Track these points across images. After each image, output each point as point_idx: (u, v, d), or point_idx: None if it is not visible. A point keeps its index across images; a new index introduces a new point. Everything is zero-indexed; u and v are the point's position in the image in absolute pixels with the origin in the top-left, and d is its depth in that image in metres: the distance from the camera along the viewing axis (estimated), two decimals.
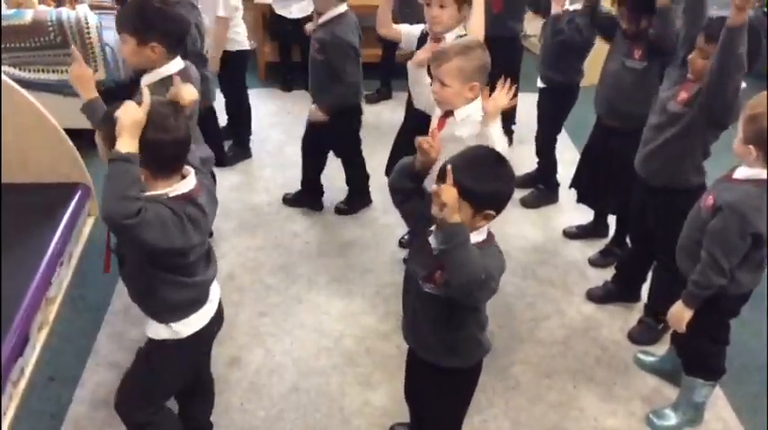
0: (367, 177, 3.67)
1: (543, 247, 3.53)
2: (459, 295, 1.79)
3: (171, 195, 1.77)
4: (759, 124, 2.09)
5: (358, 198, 3.69)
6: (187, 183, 1.82)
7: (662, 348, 2.85)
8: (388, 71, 4.85)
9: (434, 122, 2.64)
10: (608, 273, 3.28)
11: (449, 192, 1.68)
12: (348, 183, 3.67)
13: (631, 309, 3.12)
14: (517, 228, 3.63)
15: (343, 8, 3.20)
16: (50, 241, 2.82)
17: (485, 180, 1.77)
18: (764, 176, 2.14)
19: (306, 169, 3.63)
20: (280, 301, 3.07)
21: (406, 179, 1.94)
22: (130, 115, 1.67)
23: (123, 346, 2.74)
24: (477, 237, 1.80)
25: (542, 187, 3.85)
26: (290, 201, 3.73)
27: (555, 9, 3.35)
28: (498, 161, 1.83)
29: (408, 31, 3.09)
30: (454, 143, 2.22)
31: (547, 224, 3.70)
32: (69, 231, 2.99)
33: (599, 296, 3.18)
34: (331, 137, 3.44)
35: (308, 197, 3.69)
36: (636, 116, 2.96)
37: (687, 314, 2.27)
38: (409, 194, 1.95)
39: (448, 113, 2.57)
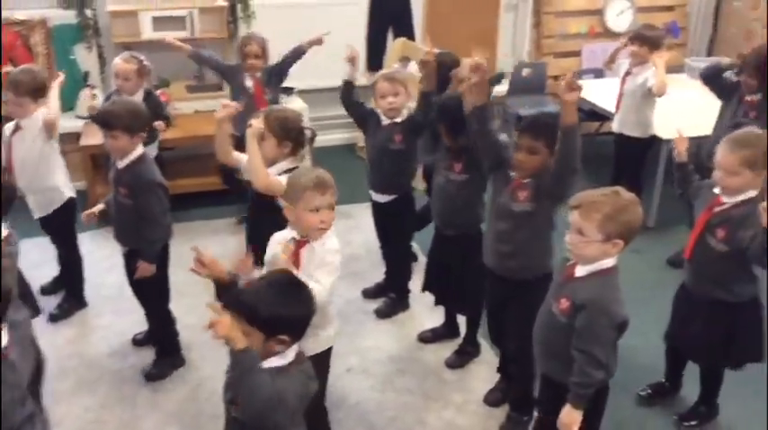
0: (171, 326, 3.42)
1: (400, 356, 3.50)
2: (256, 422, 1.78)
3: None
4: (623, 219, 2.18)
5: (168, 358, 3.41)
6: None
7: None
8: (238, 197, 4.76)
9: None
10: (465, 373, 3.31)
11: (222, 325, 1.72)
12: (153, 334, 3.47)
13: (492, 410, 3.13)
14: (373, 340, 3.60)
15: (141, 149, 3.09)
16: None
17: (271, 305, 1.79)
18: (607, 266, 2.24)
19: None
20: None
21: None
22: None
23: None
24: (277, 361, 1.82)
25: (393, 296, 3.88)
26: (140, 341, 3.53)
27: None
28: (291, 286, 1.85)
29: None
30: None
31: (401, 331, 3.69)
32: None
33: (497, 399, 3.16)
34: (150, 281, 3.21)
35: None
36: (465, 224, 3.16)
37: (577, 416, 2.27)
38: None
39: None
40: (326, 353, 2.61)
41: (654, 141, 4.50)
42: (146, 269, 3.11)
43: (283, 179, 2.88)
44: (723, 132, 3.57)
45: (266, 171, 2.84)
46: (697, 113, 4.75)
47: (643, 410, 3.14)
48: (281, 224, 2.52)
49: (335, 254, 2.46)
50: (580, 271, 2.28)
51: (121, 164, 3.08)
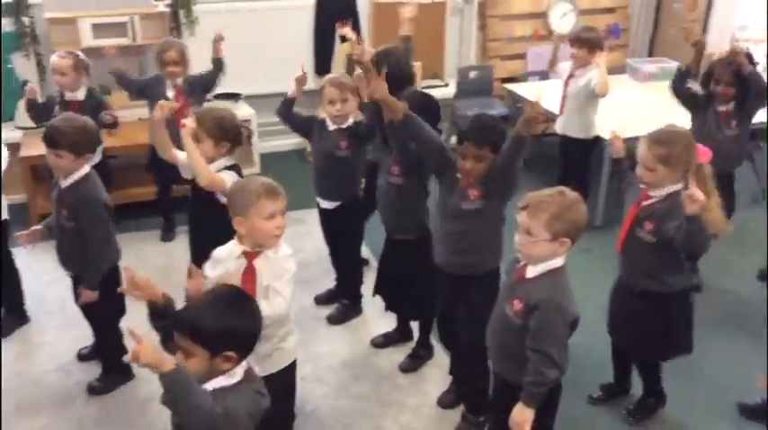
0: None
1: (353, 362, 3.49)
2: None
3: None
4: (569, 218, 2.22)
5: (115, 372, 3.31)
6: None
7: None
8: (168, 205, 4.68)
9: None
10: (419, 377, 3.32)
11: (144, 353, 1.62)
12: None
13: (446, 412, 3.13)
14: (327, 347, 3.57)
15: (87, 168, 2.99)
16: None
17: (216, 319, 1.74)
18: (556, 266, 2.27)
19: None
20: None
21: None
22: None
23: None
24: (225, 380, 1.78)
25: (346, 301, 3.85)
26: (86, 356, 3.43)
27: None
28: (236, 299, 1.81)
29: (184, 157, 3.00)
30: None
31: (354, 337, 3.67)
32: None
33: (451, 401, 3.17)
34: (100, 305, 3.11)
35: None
36: (409, 227, 3.18)
37: (529, 414, 2.28)
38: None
39: None
40: (293, 365, 2.59)
41: (597, 142, 4.58)
42: (88, 296, 3.01)
43: (224, 175, 2.91)
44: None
45: (209, 168, 2.87)
46: (638, 113, 4.87)
47: (593, 408, 3.18)
48: (222, 220, 2.45)
49: (291, 259, 2.44)
50: (531, 272, 2.31)
51: (65, 183, 2.96)
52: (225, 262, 2.39)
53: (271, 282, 2.35)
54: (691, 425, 3.11)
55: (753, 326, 3.76)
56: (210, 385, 1.81)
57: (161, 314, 1.98)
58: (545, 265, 2.28)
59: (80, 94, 4.01)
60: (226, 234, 2.44)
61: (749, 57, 3.88)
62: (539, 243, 2.24)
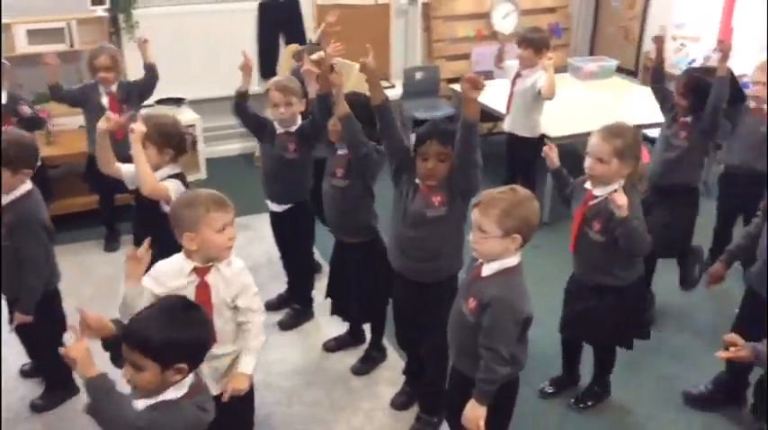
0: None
1: (305, 368, 3.46)
2: None
3: None
4: (519, 214, 2.24)
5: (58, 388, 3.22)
6: None
7: None
8: (111, 214, 4.56)
9: None
10: (371, 380, 3.32)
11: (76, 349, 1.67)
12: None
13: (399, 414, 3.13)
14: (278, 353, 3.53)
15: (28, 185, 2.86)
16: None
17: (164, 331, 1.72)
18: (511, 265, 2.29)
19: None
20: None
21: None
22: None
23: None
24: (172, 393, 1.75)
25: (297, 306, 3.82)
26: (28, 373, 3.33)
27: None
28: (183, 309, 1.78)
29: (128, 169, 2.97)
30: None
31: (306, 342, 3.65)
32: None
33: (403, 403, 3.17)
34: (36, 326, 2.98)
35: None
36: (356, 230, 3.17)
37: (481, 412, 2.30)
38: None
39: None
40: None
41: (543, 140, 4.63)
42: (22, 319, 2.89)
43: (168, 184, 2.85)
44: (659, 146, 3.68)
45: (154, 175, 2.82)
46: (581, 111, 4.97)
47: (545, 402, 3.23)
48: (167, 229, 2.39)
49: (246, 271, 2.43)
50: (486, 270, 2.33)
51: (5, 200, 2.80)
52: (173, 279, 2.32)
53: (236, 302, 2.36)
54: (638, 414, 3.18)
55: (692, 317, 3.87)
56: (159, 398, 1.77)
57: (114, 340, 1.93)
58: (500, 264, 2.30)
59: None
60: (171, 243, 2.38)
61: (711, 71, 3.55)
62: (490, 239, 2.26)
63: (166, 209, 2.61)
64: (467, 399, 2.34)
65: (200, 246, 2.29)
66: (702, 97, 3.46)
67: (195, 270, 2.32)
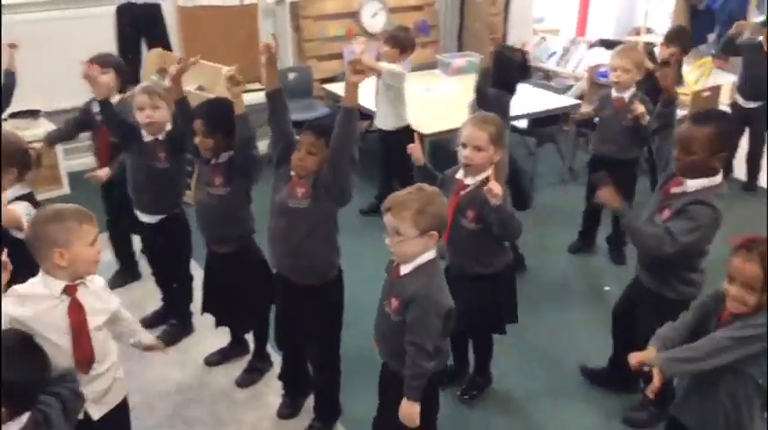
0: None
1: (187, 385, 3.32)
2: None
3: None
4: (432, 211, 2.25)
5: None
6: None
7: None
8: None
9: None
10: (257, 390, 3.24)
11: None
12: None
13: (289, 423, 3.07)
14: (157, 372, 3.37)
15: None
16: None
17: None
18: (427, 259, 2.30)
19: None
20: None
21: None
22: None
23: None
24: None
25: (174, 322, 3.67)
26: None
27: None
28: (18, 346, 1.67)
29: None
30: None
31: (187, 358, 3.51)
32: None
33: (289, 413, 3.12)
34: None
35: None
36: (235, 237, 3.09)
37: (415, 408, 2.31)
38: None
39: None
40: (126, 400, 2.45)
41: (411, 132, 4.70)
42: None
43: (17, 206, 2.64)
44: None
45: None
46: (449, 106, 5.07)
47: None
48: (21, 255, 2.18)
49: (107, 288, 2.34)
50: (404, 269, 2.34)
51: None
52: (40, 302, 2.14)
53: (113, 313, 2.30)
54: (531, 398, 3.27)
55: (572, 297, 4.04)
56: None
57: None
58: (417, 260, 2.32)
59: None
60: (27, 268, 2.21)
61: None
62: (407, 241, 2.27)
63: (19, 235, 2.40)
64: (399, 397, 2.35)
65: (71, 262, 2.13)
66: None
67: (66, 289, 2.17)
